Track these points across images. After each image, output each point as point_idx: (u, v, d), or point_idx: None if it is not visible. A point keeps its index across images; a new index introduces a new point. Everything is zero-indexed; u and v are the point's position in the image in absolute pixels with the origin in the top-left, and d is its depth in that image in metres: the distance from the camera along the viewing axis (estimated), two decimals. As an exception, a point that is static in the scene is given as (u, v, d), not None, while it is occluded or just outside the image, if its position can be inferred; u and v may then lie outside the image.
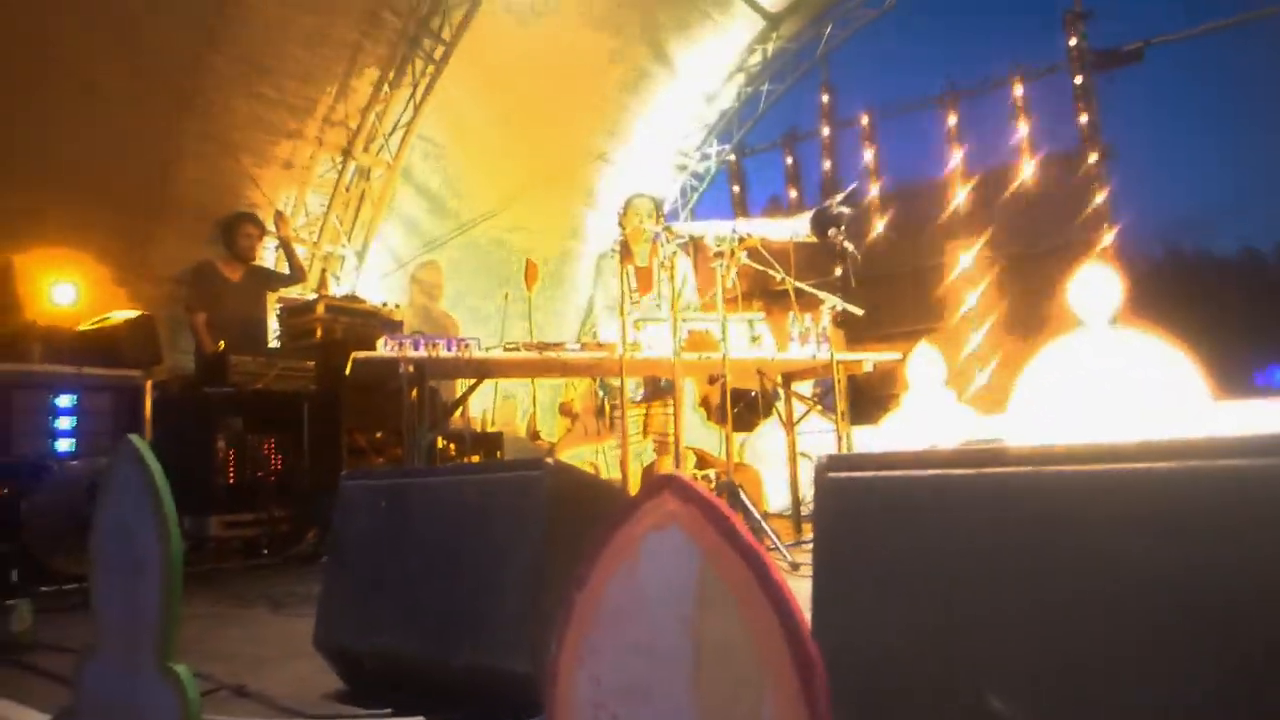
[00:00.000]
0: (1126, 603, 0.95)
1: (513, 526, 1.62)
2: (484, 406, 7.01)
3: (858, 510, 1.17)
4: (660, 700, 0.81)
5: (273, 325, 6.15)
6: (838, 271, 3.85)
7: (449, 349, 3.61)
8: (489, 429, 6.77)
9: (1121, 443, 0.98)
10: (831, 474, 1.20)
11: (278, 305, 6.03)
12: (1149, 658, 0.93)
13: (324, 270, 7.25)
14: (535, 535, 1.58)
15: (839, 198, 3.65)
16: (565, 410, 8.31)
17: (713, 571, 0.79)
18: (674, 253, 4.38)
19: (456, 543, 1.71)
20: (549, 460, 1.65)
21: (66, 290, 4.91)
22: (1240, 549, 0.89)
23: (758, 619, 0.75)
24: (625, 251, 4.60)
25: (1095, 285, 4.04)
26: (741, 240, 3.77)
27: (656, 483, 0.85)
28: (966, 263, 7.93)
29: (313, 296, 5.98)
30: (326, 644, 1.89)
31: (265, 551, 4.52)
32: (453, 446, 5.58)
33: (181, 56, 5.65)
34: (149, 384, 4.43)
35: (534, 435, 7.48)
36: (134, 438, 1.41)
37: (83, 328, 4.59)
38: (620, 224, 4.65)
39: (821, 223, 3.63)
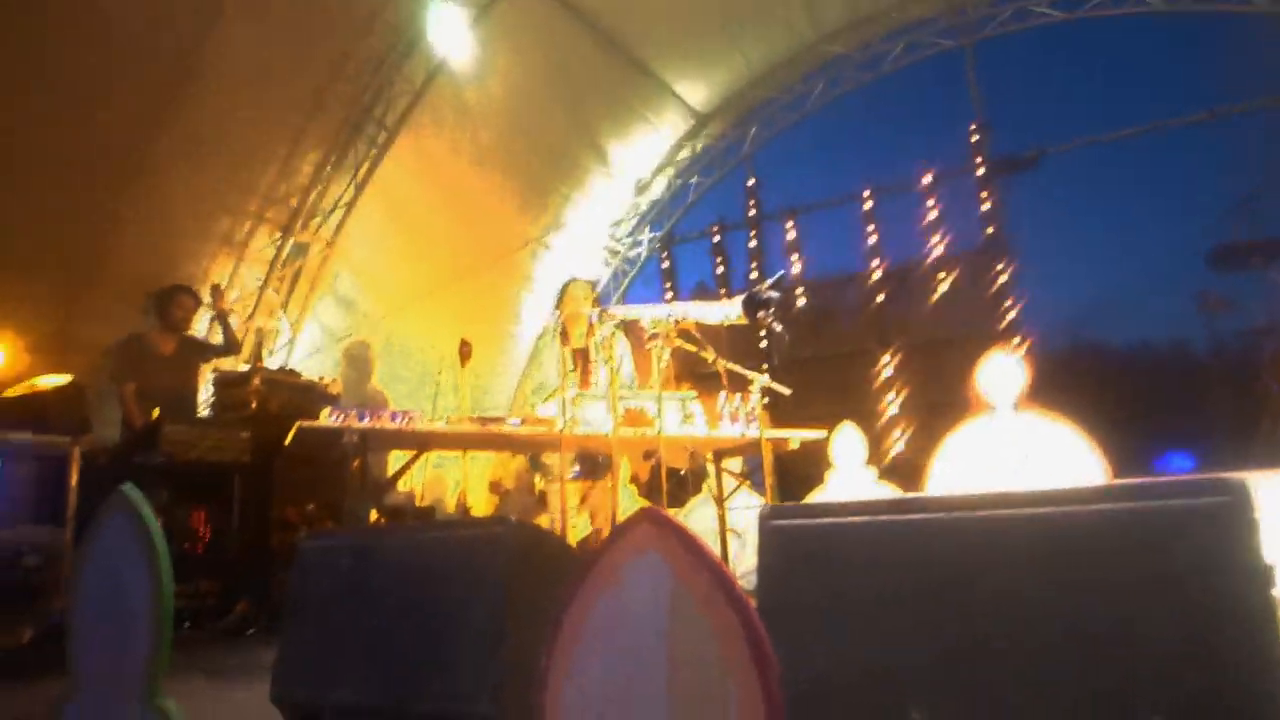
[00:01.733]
0: (1020, 625, 1.13)
1: (476, 579, 1.73)
2: (414, 481, 7.00)
3: (796, 552, 1.34)
4: (640, 702, 0.95)
5: (202, 395, 6.09)
6: (764, 352, 4.07)
7: (394, 420, 3.70)
8: (419, 503, 6.76)
9: (1016, 491, 1.18)
10: (773, 521, 1.38)
11: (211, 375, 6.00)
12: (1039, 671, 1.12)
13: (259, 343, 7.25)
14: (498, 586, 1.69)
15: (768, 283, 3.90)
16: (495, 488, 8.34)
17: (683, 587, 0.95)
18: (612, 334, 4.58)
19: (420, 596, 1.81)
20: (511, 518, 1.78)
21: (-8, 357, 4.84)
22: (1105, 576, 1.09)
23: (722, 624, 0.91)
24: (564, 334, 4.79)
25: (1001, 372, 4.37)
26: (677, 322, 3.98)
27: (635, 516, 1.00)
28: (883, 349, 8.36)
29: (246, 368, 5.97)
30: (285, 698, 1.94)
31: (187, 625, 4.42)
32: (385, 521, 5.56)
33: (130, 133, 5.72)
34: (76, 451, 4.36)
35: (464, 511, 7.47)
36: (127, 487, 1.50)
37: (9, 393, 4.52)
38: (558, 307, 4.84)
39: (752, 306, 3.87)
